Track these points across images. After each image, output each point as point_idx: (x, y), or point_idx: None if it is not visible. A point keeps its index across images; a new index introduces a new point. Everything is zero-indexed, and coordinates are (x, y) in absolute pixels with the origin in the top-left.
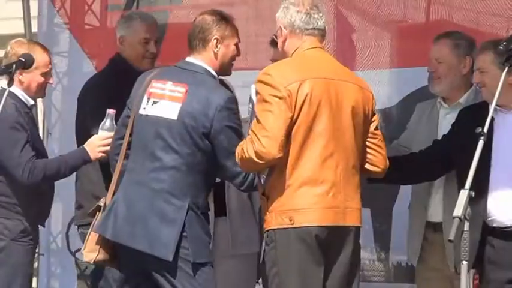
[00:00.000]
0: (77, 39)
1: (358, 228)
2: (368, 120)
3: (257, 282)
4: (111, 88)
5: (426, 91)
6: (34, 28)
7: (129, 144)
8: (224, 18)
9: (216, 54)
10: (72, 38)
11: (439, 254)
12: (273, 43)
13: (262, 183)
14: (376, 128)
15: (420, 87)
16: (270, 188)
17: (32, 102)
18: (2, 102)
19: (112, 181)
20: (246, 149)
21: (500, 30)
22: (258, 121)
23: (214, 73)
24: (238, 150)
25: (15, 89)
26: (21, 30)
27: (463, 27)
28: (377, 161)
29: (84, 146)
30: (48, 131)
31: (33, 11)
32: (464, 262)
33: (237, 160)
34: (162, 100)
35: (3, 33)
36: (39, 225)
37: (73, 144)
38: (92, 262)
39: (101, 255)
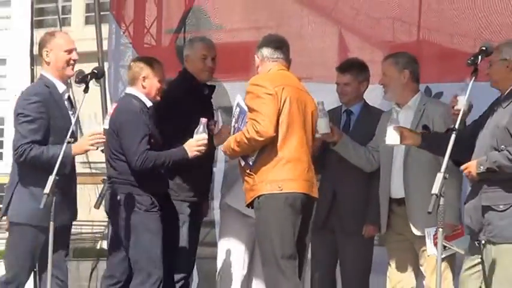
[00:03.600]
0: (138, 55)
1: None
2: (315, 119)
3: None
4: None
5: None
6: (105, 47)
7: None
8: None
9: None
10: (135, 54)
11: (402, 223)
12: (339, 69)
13: (251, 163)
14: None
15: None
16: (259, 165)
17: (149, 103)
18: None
19: None
20: (247, 131)
21: (468, 48)
22: (254, 111)
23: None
24: (236, 138)
25: (138, 93)
26: (95, 48)
27: (440, 45)
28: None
29: (184, 146)
30: None
31: (104, 33)
32: (440, 229)
33: (234, 147)
34: None
35: (81, 50)
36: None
37: None
38: None
39: None
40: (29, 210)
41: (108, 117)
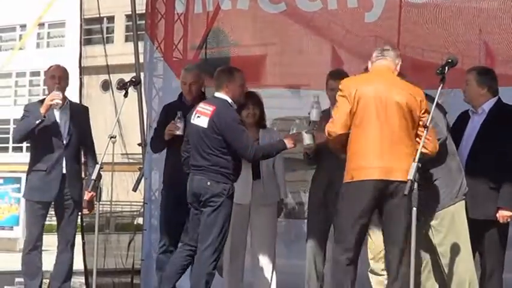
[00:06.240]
0: (169, 66)
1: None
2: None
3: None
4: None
5: None
6: (141, 60)
7: None
8: None
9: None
10: (166, 66)
11: None
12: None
13: None
14: None
15: None
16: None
17: (235, 106)
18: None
19: None
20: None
21: (436, 60)
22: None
23: None
24: None
25: (225, 96)
26: (133, 61)
27: (414, 58)
28: None
29: (283, 139)
30: (150, 125)
31: (140, 48)
32: (414, 208)
33: None
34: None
35: (122, 63)
36: None
37: None
38: None
39: None
40: None
41: (204, 117)
